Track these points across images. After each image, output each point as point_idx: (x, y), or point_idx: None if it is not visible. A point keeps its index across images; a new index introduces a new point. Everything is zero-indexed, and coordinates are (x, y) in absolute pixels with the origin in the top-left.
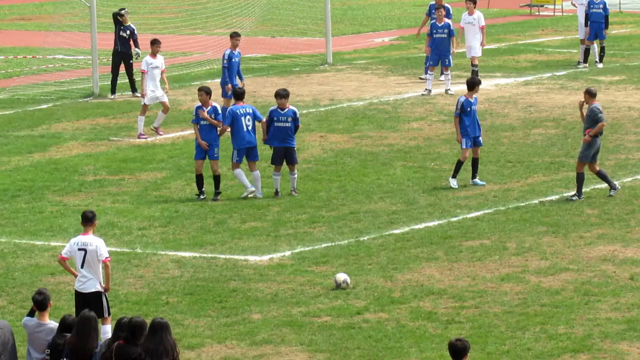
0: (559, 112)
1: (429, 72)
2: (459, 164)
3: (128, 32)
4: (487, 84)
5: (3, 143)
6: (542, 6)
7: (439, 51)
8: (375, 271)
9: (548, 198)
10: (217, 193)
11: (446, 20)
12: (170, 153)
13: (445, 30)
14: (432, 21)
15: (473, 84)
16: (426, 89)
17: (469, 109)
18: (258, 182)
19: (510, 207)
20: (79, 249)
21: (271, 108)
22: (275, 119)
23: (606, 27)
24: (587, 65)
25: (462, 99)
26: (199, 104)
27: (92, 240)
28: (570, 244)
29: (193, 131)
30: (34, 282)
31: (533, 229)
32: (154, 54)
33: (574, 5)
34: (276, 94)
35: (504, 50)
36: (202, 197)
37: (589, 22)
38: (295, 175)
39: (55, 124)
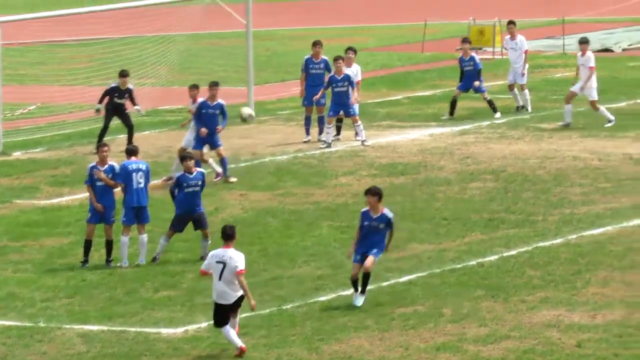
0: (499, 163)
1: (328, 124)
2: None
3: (126, 95)
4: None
5: None
6: (480, 49)
7: (340, 102)
8: (300, 342)
9: (487, 259)
10: (109, 261)
11: (345, 71)
12: (78, 216)
13: (345, 83)
14: (331, 74)
15: None
16: (325, 142)
17: None
18: (143, 247)
19: (446, 269)
20: (217, 262)
21: (177, 174)
22: (185, 184)
23: (478, 78)
24: (452, 116)
25: None
26: (94, 163)
27: (232, 254)
28: (511, 309)
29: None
30: None
31: (471, 293)
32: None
33: (505, 48)
34: (182, 157)
35: (439, 97)
36: (86, 265)
37: (463, 78)
38: (209, 242)
39: None
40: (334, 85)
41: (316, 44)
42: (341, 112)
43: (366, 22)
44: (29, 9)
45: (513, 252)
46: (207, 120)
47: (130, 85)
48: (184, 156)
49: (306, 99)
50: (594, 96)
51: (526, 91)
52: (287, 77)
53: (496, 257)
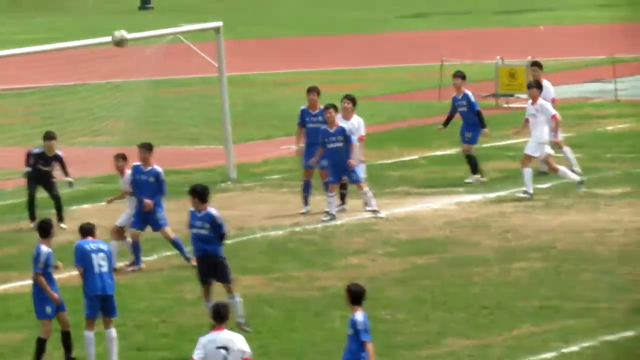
0: (547, 238)
1: (329, 193)
2: None
3: (53, 163)
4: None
5: None
6: (511, 96)
7: (338, 163)
8: None
9: (542, 356)
10: (70, 359)
11: (340, 124)
12: (30, 306)
13: (340, 138)
14: (323, 127)
15: None
16: (328, 214)
17: None
18: (113, 344)
19: None
20: (218, 347)
21: (191, 209)
22: (191, 223)
23: (482, 125)
24: (481, 178)
25: None
26: (45, 247)
27: (232, 337)
28: None
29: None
30: None
31: None
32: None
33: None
34: (190, 192)
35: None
36: None
37: (461, 126)
38: (239, 299)
39: None
40: (326, 140)
41: (311, 90)
42: (344, 177)
43: (369, 64)
44: None
45: (574, 348)
46: (141, 189)
47: (58, 151)
48: (191, 190)
49: (305, 159)
50: (533, 151)
51: (565, 149)
52: (274, 134)
53: (553, 354)
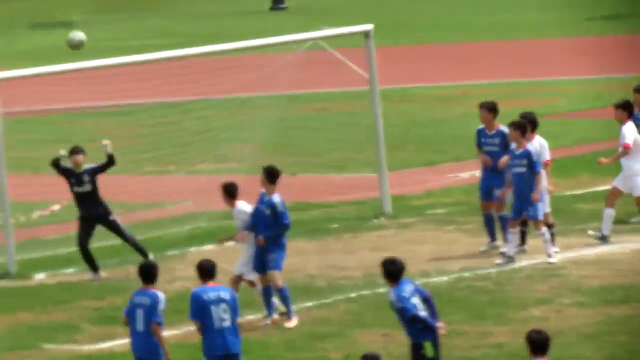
0: None
1: (509, 229)
2: None
3: (87, 178)
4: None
5: None
6: None
7: (522, 194)
8: None
9: None
10: None
11: (528, 145)
12: None
13: (524, 162)
14: (511, 148)
15: None
16: (505, 255)
17: None
18: None
19: None
20: None
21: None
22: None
23: None
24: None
25: None
26: (158, 292)
27: None
28: None
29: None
30: None
31: None
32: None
33: None
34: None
35: None
36: None
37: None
38: None
39: None
40: (510, 164)
41: (482, 107)
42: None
43: (554, 75)
44: (30, 60)
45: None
46: (257, 222)
47: (88, 166)
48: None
49: (481, 187)
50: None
51: None
52: (438, 159)
53: None
